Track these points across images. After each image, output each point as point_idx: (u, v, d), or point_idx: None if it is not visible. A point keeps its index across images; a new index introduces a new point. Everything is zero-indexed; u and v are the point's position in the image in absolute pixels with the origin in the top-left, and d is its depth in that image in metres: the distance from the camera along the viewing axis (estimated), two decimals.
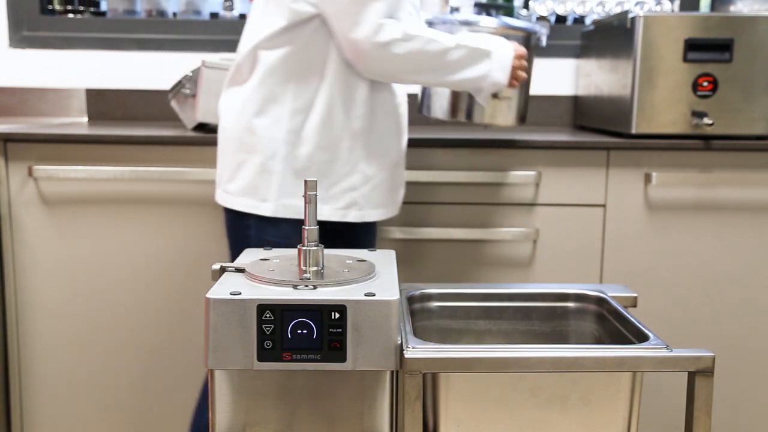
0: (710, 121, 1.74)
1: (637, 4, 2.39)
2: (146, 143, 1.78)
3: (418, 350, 0.94)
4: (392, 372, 0.94)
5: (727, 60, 1.78)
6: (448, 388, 0.99)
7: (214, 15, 2.44)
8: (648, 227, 1.82)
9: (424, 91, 1.68)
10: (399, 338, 0.92)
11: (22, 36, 2.33)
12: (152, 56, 2.32)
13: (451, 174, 1.79)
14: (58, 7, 2.40)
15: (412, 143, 1.77)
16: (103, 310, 1.84)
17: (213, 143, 1.64)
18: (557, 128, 2.24)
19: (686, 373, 0.97)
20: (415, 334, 1.03)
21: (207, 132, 1.83)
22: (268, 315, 0.90)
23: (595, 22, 2.13)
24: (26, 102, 2.33)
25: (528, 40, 1.61)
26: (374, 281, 0.99)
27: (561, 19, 2.43)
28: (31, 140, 1.79)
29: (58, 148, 1.79)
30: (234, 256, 1.50)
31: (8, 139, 1.79)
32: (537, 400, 0.99)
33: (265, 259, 1.08)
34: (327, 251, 1.10)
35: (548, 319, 1.25)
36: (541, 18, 2.41)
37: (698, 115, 1.77)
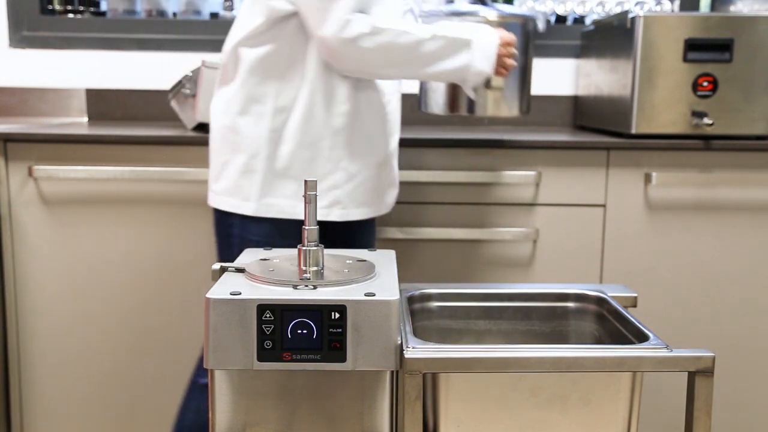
0: (710, 121, 1.74)
1: (637, 4, 2.39)
2: (146, 143, 1.78)
3: (418, 350, 0.94)
4: (392, 372, 0.94)
5: (727, 60, 1.78)
6: (448, 388, 0.99)
7: (214, 15, 2.44)
8: (648, 227, 1.82)
9: (422, 87, 1.66)
10: (399, 338, 0.92)
11: (22, 36, 2.33)
12: (152, 56, 2.32)
13: (451, 174, 1.79)
14: (58, 7, 2.40)
15: (413, 143, 1.77)
16: (103, 309, 1.84)
17: None
18: (557, 128, 2.24)
19: (686, 373, 0.97)
20: (415, 334, 1.03)
21: (207, 132, 1.83)
22: (268, 315, 0.90)
23: (595, 22, 2.13)
24: (26, 102, 2.33)
25: (524, 26, 1.57)
26: (374, 281, 0.99)
27: (561, 19, 2.43)
28: (31, 140, 1.79)
29: (58, 148, 1.79)
30: (220, 255, 1.50)
31: (8, 139, 1.79)
32: (537, 400, 0.99)
33: (265, 259, 1.08)
34: (327, 251, 1.10)
35: (548, 319, 1.25)
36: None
37: (698, 115, 1.77)
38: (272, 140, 1.41)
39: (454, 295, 1.25)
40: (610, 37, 1.97)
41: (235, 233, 1.45)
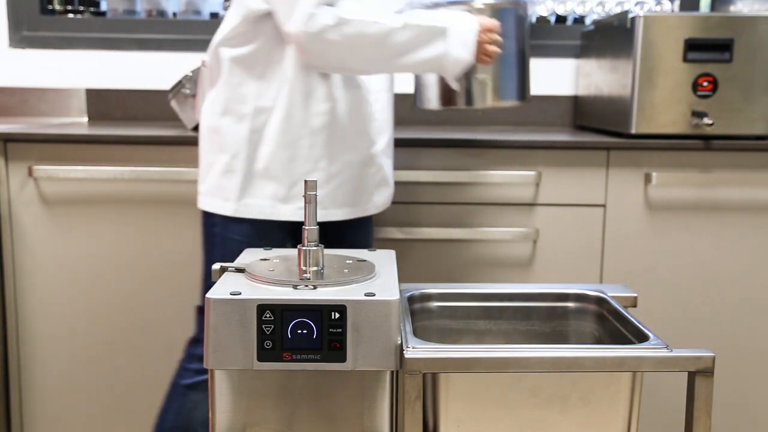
0: (710, 121, 1.74)
1: (637, 4, 2.39)
2: (146, 143, 1.78)
3: (418, 350, 0.94)
4: (392, 372, 0.94)
5: (727, 60, 1.78)
6: (448, 388, 0.99)
7: (214, 15, 2.44)
8: (648, 227, 1.82)
9: (416, 83, 1.61)
10: (399, 338, 0.92)
11: (22, 36, 2.33)
12: (152, 56, 2.32)
13: (451, 174, 1.79)
14: (58, 7, 2.41)
15: (412, 143, 1.77)
16: (103, 310, 1.84)
17: None
18: (557, 128, 2.24)
19: (686, 373, 0.97)
20: (415, 334, 1.03)
21: None
22: (268, 315, 0.90)
23: (595, 22, 2.13)
24: (26, 102, 2.33)
25: (517, 11, 1.52)
26: (374, 281, 0.99)
27: (561, 19, 2.43)
28: (31, 140, 1.79)
29: (58, 148, 1.79)
30: (205, 254, 1.49)
31: (8, 139, 1.79)
32: (537, 400, 0.99)
33: (265, 259, 1.08)
34: (327, 251, 1.10)
35: (548, 319, 1.25)
36: (540, 19, 2.41)
37: (698, 115, 1.77)
38: (252, 141, 1.40)
39: (454, 295, 1.25)
40: (610, 37, 1.97)
41: (217, 233, 1.45)
